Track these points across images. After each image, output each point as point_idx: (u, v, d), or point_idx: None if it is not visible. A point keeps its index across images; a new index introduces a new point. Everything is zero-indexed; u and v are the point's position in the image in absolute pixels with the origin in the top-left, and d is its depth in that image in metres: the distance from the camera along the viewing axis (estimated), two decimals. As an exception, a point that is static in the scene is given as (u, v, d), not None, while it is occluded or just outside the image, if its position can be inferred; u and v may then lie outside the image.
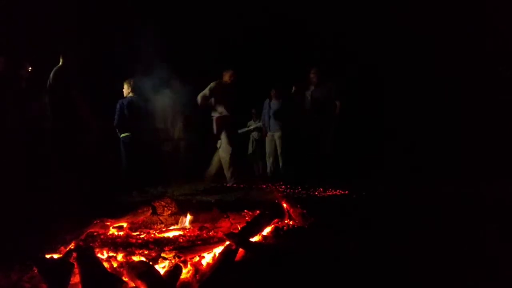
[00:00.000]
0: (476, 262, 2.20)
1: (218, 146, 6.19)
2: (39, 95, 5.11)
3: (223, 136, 6.05)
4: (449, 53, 6.95)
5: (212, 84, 5.98)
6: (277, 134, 6.94)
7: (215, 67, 6.44)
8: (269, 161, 7.13)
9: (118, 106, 5.65)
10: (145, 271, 1.88)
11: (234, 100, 6.16)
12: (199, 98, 5.95)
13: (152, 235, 2.83)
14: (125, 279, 1.95)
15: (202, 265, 2.16)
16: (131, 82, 5.71)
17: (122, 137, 5.67)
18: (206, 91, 5.95)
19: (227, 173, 6.08)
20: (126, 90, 5.75)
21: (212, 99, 6.01)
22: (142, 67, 5.67)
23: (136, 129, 5.60)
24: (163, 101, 6.20)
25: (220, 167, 6.36)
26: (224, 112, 6.01)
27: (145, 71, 5.72)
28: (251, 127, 8.61)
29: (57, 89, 4.77)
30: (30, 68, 4.93)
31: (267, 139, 7.12)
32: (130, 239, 2.67)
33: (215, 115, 6.08)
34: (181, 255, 2.18)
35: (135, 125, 5.58)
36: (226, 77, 6.08)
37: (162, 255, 2.21)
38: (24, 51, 5.34)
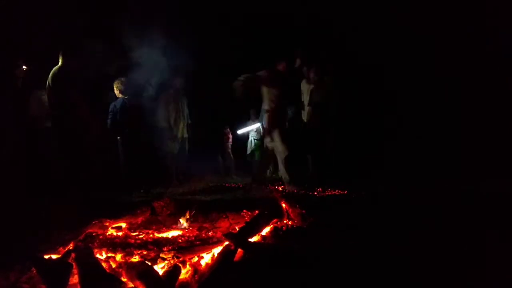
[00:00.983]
0: (476, 262, 2.20)
1: (266, 145, 5.59)
2: (38, 94, 5.12)
3: (275, 134, 5.34)
4: (449, 53, 6.95)
5: (262, 72, 5.29)
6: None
7: (215, 67, 6.43)
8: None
9: (110, 109, 5.56)
10: (144, 272, 1.88)
11: (287, 92, 5.59)
12: (239, 80, 5.07)
13: (151, 236, 2.82)
14: (123, 279, 1.95)
15: (201, 265, 2.16)
16: (118, 84, 5.55)
17: (119, 138, 5.64)
18: (250, 75, 5.20)
19: (285, 177, 5.33)
20: (116, 91, 5.61)
21: (264, 90, 5.37)
22: (142, 66, 5.64)
23: (131, 130, 5.53)
24: (166, 100, 6.18)
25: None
26: (278, 105, 5.33)
27: (146, 70, 5.70)
28: (250, 127, 8.63)
29: (57, 89, 4.76)
30: (24, 67, 4.92)
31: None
32: (129, 240, 2.66)
33: (266, 108, 5.39)
34: (180, 256, 2.18)
35: (129, 126, 5.52)
36: (280, 67, 5.45)
37: (161, 255, 2.21)
38: (24, 51, 5.33)
